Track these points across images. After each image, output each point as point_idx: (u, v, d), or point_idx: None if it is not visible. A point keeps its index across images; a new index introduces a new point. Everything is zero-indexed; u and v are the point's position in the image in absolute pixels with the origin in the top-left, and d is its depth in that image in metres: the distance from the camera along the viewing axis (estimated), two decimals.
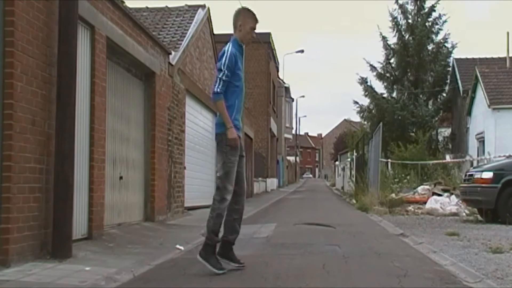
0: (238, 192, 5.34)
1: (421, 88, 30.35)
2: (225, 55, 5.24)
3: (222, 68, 5.19)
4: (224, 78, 5.17)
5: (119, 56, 8.85)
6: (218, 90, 5.17)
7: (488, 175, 10.89)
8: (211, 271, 5.06)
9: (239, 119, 5.37)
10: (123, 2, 9.51)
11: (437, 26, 31.00)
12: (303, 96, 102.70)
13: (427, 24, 30.75)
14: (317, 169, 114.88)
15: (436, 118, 30.60)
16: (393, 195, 15.91)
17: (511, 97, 22.01)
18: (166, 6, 15.15)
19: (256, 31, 5.50)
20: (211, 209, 5.23)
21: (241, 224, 5.47)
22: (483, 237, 8.06)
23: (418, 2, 31.03)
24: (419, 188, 16.66)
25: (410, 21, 31.02)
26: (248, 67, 33.60)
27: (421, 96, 30.26)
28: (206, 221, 5.25)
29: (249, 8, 5.49)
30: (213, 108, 16.82)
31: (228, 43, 5.36)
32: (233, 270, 5.22)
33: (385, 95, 31.53)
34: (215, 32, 16.59)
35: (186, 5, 15.13)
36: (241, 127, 5.46)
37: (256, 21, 5.43)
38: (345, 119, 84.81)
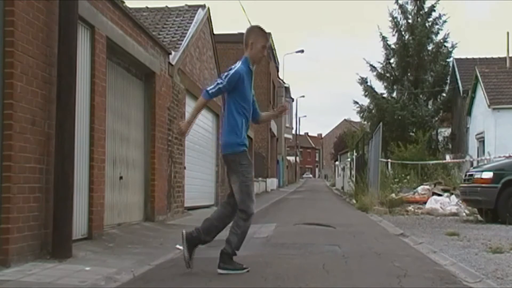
0: (234, 207, 5.21)
1: (421, 88, 30.36)
2: (231, 70, 5.20)
3: (223, 78, 5.17)
4: (220, 85, 5.13)
5: (119, 56, 8.85)
6: (210, 91, 5.14)
7: (488, 175, 10.90)
8: (232, 273, 5.07)
9: (246, 137, 5.28)
10: (123, 2, 9.51)
11: (437, 26, 31.06)
12: (303, 96, 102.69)
13: (427, 24, 30.79)
14: (317, 169, 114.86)
15: (436, 118, 30.64)
16: (393, 195, 15.91)
17: (511, 97, 22.02)
18: (166, 6, 15.15)
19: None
20: (236, 225, 5.14)
21: (218, 233, 5.35)
22: (483, 237, 8.06)
23: (418, 2, 31.07)
24: (419, 188, 16.67)
25: (410, 21, 31.06)
26: None
27: (421, 96, 30.29)
28: (229, 235, 5.14)
29: (261, 26, 5.41)
30: (213, 108, 16.84)
31: (238, 62, 5.30)
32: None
33: (385, 95, 31.57)
34: (215, 32, 16.59)
35: (186, 5, 15.13)
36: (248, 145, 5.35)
37: (267, 40, 5.37)
38: (345, 119, 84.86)
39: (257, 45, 5.26)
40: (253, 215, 5.20)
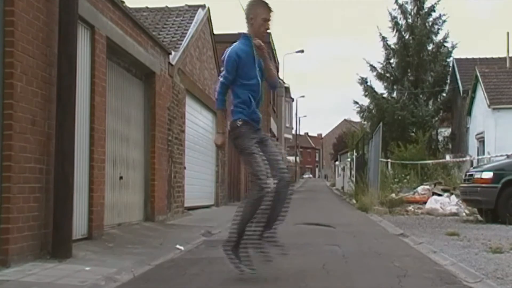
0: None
1: (421, 88, 30.37)
2: (224, 56, 4.96)
3: (222, 69, 4.99)
4: (222, 79, 4.92)
5: (119, 56, 8.85)
6: (217, 90, 4.94)
7: (488, 175, 10.90)
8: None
9: (257, 111, 4.99)
10: (123, 2, 9.50)
11: (437, 26, 31.07)
12: (303, 96, 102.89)
13: (427, 24, 30.81)
14: (317, 169, 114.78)
15: (436, 118, 30.66)
16: (393, 195, 15.92)
17: (511, 97, 22.03)
18: (166, 6, 15.15)
19: None
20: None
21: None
22: (483, 237, 8.05)
23: (418, 2, 31.08)
24: (419, 188, 16.67)
25: (409, 21, 31.08)
26: None
27: (421, 96, 30.30)
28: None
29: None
30: (213, 108, 16.84)
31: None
32: (232, 271, 5.20)
33: (385, 95, 31.58)
34: (215, 32, 16.60)
35: (186, 5, 15.13)
36: (260, 118, 5.07)
37: (269, 11, 4.93)
38: (345, 119, 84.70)
39: (257, 19, 4.91)
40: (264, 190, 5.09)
